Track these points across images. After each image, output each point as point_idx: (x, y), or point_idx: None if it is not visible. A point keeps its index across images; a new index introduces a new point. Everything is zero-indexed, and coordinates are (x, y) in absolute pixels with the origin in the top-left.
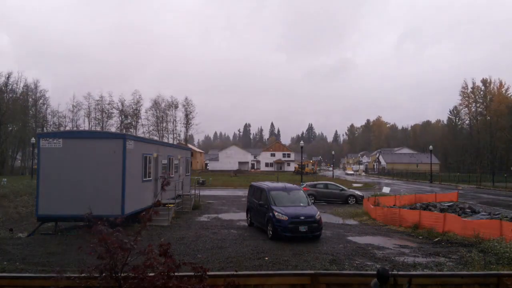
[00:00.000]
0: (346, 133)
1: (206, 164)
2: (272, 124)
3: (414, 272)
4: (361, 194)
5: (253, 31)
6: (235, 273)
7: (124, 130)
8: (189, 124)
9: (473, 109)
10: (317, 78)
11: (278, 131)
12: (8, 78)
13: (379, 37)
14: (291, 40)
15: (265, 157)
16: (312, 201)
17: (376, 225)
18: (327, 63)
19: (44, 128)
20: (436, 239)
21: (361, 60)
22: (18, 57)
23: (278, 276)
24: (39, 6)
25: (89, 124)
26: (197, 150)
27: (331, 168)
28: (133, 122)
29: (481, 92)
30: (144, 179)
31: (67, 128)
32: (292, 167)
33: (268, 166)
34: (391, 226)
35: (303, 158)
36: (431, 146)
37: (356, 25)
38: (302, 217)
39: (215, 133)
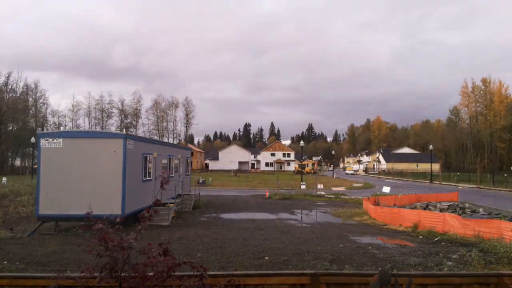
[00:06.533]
0: (346, 132)
1: (206, 164)
2: (272, 124)
3: (414, 272)
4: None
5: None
6: (235, 272)
7: (124, 129)
8: (189, 124)
9: (473, 109)
10: (317, 78)
11: (278, 131)
12: (8, 78)
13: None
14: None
15: (265, 157)
16: None
17: (376, 225)
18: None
19: (44, 128)
20: (436, 239)
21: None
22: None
23: (278, 276)
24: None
25: (89, 123)
26: (197, 149)
27: (331, 168)
28: (133, 122)
29: (481, 92)
30: (144, 179)
31: (67, 128)
32: (292, 167)
33: (268, 165)
34: (391, 226)
35: (303, 158)
36: (431, 146)
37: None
38: None
39: (215, 132)
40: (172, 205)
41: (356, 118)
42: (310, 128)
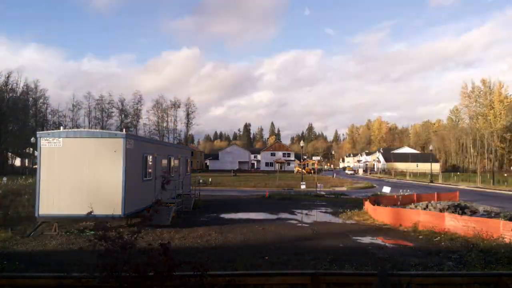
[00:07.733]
0: (346, 132)
1: (206, 164)
2: (272, 124)
3: (414, 272)
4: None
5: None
6: (235, 272)
7: (124, 129)
8: (189, 124)
9: (473, 109)
10: (317, 77)
11: (278, 130)
12: (8, 77)
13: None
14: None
15: (265, 157)
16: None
17: (376, 225)
18: (327, 63)
19: (44, 128)
20: (436, 239)
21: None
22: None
23: (278, 276)
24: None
25: (89, 123)
26: (197, 149)
27: (331, 168)
28: (134, 122)
29: (481, 92)
30: (144, 179)
31: (67, 128)
32: (292, 167)
33: (268, 165)
34: (391, 226)
35: (304, 158)
36: (431, 146)
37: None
38: None
39: (216, 132)
40: (172, 205)
41: (357, 118)
42: (310, 128)
